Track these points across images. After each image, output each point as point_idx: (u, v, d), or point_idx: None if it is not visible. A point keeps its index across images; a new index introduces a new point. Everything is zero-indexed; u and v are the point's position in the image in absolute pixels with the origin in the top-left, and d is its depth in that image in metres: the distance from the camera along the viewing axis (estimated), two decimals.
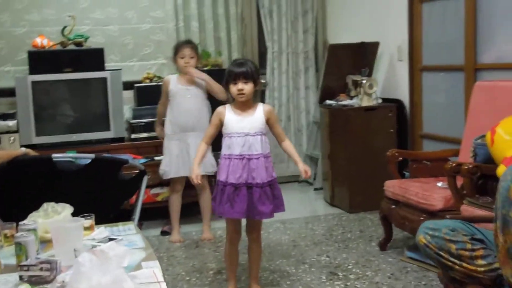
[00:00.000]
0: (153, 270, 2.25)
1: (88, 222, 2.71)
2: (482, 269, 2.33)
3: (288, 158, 4.84)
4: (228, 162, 3.34)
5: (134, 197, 4.04)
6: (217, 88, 4.50)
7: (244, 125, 3.35)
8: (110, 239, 2.64)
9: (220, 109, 3.45)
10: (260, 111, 3.39)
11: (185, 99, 4.55)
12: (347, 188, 5.23)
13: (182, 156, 4.56)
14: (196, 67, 4.66)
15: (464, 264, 2.36)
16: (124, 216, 3.58)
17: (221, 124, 3.43)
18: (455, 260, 2.38)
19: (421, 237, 2.48)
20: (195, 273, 3.92)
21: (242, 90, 3.30)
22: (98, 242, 2.59)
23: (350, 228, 4.73)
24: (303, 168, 3.42)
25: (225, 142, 3.40)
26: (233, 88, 3.32)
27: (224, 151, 3.39)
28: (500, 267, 2.15)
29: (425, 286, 3.50)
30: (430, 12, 5.06)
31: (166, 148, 4.67)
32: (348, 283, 3.61)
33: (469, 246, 2.36)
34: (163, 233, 4.82)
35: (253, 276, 3.57)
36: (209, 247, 4.47)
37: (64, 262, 2.26)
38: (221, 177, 3.37)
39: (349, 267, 3.89)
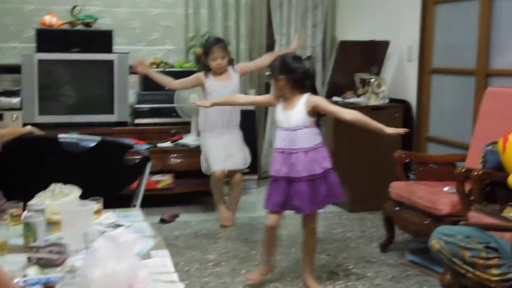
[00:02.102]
0: (164, 259, 2.22)
1: (97, 206, 2.68)
2: (495, 278, 2.31)
3: None
4: (275, 156, 3.47)
5: (134, 182, 4.03)
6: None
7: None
8: (117, 225, 2.61)
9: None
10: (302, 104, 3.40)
11: (221, 97, 4.42)
12: (349, 187, 5.14)
13: (219, 153, 4.64)
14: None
15: (477, 273, 2.35)
16: (124, 201, 3.55)
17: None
18: (469, 268, 2.36)
19: (435, 242, 2.45)
20: (195, 264, 3.89)
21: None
22: (106, 227, 2.55)
23: (351, 228, 4.71)
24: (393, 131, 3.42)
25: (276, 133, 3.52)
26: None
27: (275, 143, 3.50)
28: None
29: None
30: (443, 14, 5.03)
31: (203, 145, 4.78)
32: (349, 283, 3.59)
33: (483, 254, 2.35)
34: (162, 221, 4.78)
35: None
36: (208, 238, 4.44)
37: (73, 245, 2.23)
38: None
39: (350, 267, 3.87)
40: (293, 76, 3.36)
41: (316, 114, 3.41)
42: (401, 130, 3.38)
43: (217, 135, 4.67)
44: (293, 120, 3.36)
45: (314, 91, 3.45)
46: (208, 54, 4.58)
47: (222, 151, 4.65)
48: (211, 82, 4.61)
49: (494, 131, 3.72)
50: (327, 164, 3.44)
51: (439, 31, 5.06)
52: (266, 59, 4.65)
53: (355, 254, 4.11)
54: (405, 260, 3.94)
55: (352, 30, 6.23)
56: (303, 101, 3.37)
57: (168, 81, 4.71)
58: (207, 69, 4.64)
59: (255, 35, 6.36)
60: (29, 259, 2.13)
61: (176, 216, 4.89)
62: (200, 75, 4.69)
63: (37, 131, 3.76)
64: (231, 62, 4.74)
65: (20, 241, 2.37)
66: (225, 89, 4.56)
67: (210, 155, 4.67)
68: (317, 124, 3.44)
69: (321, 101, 3.40)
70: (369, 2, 5.97)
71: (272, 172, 3.44)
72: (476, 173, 3.36)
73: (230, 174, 4.77)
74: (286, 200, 3.40)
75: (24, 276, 1.96)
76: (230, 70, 4.68)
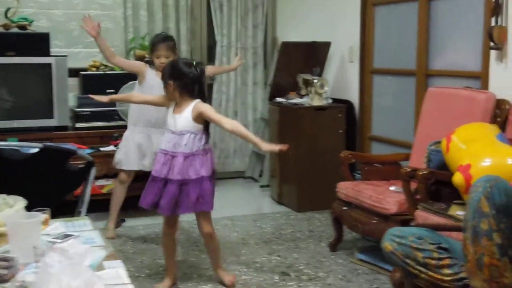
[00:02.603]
0: (117, 271, 2.16)
1: (44, 217, 2.59)
2: (448, 278, 2.35)
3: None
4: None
5: (78, 188, 3.93)
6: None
7: None
8: (66, 235, 2.53)
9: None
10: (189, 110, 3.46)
11: (159, 92, 4.39)
12: (296, 187, 5.23)
13: (141, 150, 4.47)
14: None
15: (430, 273, 2.38)
16: (68, 207, 3.46)
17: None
18: (421, 268, 2.39)
19: (387, 244, 2.48)
20: (144, 269, 3.84)
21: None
22: (54, 238, 2.47)
23: (299, 228, 4.74)
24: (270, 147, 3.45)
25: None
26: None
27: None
28: (469, 277, 2.18)
29: None
30: (383, 16, 5.11)
31: (125, 139, 4.56)
32: (301, 284, 3.61)
33: (435, 255, 2.38)
34: None
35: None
36: (157, 242, 4.37)
37: (22, 259, 2.14)
38: None
39: (301, 267, 3.88)
40: (182, 81, 3.41)
41: (204, 121, 3.45)
42: (276, 148, 3.37)
43: (143, 131, 4.51)
44: (179, 124, 3.42)
45: (203, 97, 3.49)
46: (153, 50, 4.46)
47: (139, 150, 4.50)
48: (152, 76, 4.43)
49: (436, 131, 3.81)
50: (204, 171, 3.43)
51: (379, 32, 5.15)
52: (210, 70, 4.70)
53: (305, 254, 4.13)
54: (354, 259, 3.98)
55: (293, 31, 6.27)
56: (190, 107, 3.42)
57: (110, 54, 4.49)
58: (151, 63, 4.53)
59: (196, 36, 6.32)
60: None
61: (123, 220, 4.81)
62: (143, 64, 4.56)
63: None
64: None
65: None
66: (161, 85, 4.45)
67: (129, 150, 4.51)
68: (206, 131, 3.48)
69: (206, 109, 3.43)
70: (309, 3, 6.01)
71: (153, 172, 3.49)
72: (421, 172, 3.42)
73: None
74: (159, 201, 3.45)
75: None
76: None
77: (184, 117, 3.41)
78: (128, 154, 4.50)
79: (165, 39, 4.47)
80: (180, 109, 3.44)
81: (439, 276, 2.36)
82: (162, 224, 3.60)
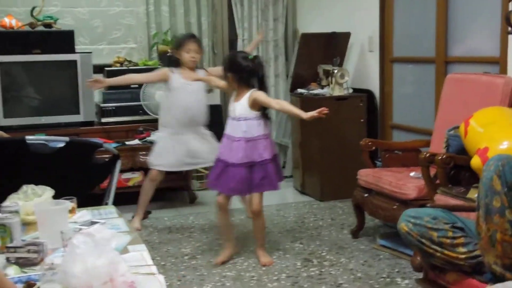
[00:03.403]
0: (142, 253, 2.25)
1: (71, 205, 2.69)
2: (462, 256, 2.40)
3: None
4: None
5: (105, 181, 4.04)
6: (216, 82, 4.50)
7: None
8: (93, 222, 2.62)
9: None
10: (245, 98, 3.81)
11: (186, 95, 4.55)
12: (318, 177, 5.29)
13: (175, 151, 4.58)
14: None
15: (446, 252, 2.43)
16: (95, 200, 3.56)
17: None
18: (437, 248, 2.44)
19: (403, 225, 2.53)
20: (170, 258, 3.93)
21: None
22: (81, 225, 2.57)
23: (322, 216, 4.80)
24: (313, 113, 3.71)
25: None
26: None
27: None
28: (482, 254, 2.23)
29: (398, 273, 3.58)
30: (402, 4, 5.13)
31: (158, 140, 4.71)
32: (323, 270, 3.67)
33: (450, 234, 2.43)
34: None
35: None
36: (182, 232, 4.48)
37: (50, 244, 2.24)
38: None
39: (323, 254, 3.95)
40: (239, 74, 3.78)
41: (260, 108, 3.78)
42: (314, 112, 3.69)
43: (174, 132, 4.60)
44: (237, 111, 3.79)
45: (262, 87, 3.82)
46: (181, 46, 4.55)
47: (174, 151, 4.59)
48: (176, 79, 4.59)
49: (456, 116, 3.82)
50: (267, 155, 3.77)
51: (398, 21, 5.17)
52: None
53: (327, 241, 4.19)
54: (376, 245, 4.03)
55: (313, 23, 6.31)
56: (247, 96, 3.77)
57: (129, 78, 4.74)
58: (175, 64, 4.63)
59: (217, 30, 6.39)
60: (8, 259, 2.14)
61: (149, 212, 4.91)
62: (166, 70, 4.68)
63: (4, 135, 3.74)
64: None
65: None
66: (189, 86, 4.56)
67: (163, 151, 4.62)
68: (264, 117, 3.81)
69: (258, 94, 3.76)
70: None
71: (218, 154, 3.89)
72: (440, 157, 3.46)
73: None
74: (218, 181, 3.83)
75: (5, 275, 1.97)
76: (198, 72, 4.67)
77: (241, 104, 3.78)
78: (161, 155, 4.61)
79: (193, 36, 4.66)
80: (239, 97, 3.81)
81: (454, 254, 2.41)
82: (217, 203, 3.92)
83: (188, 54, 4.50)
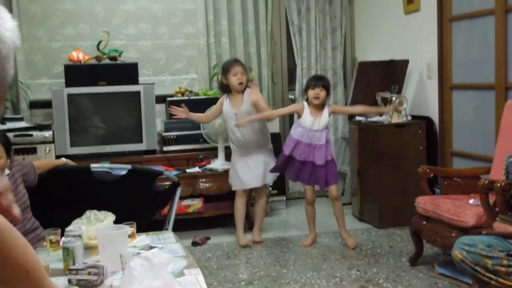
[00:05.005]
0: (196, 277, 2.32)
1: (130, 229, 2.80)
2: None
3: None
4: (296, 144, 4.69)
5: (166, 208, 4.16)
6: (264, 108, 4.82)
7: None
8: (151, 247, 2.72)
9: (300, 105, 4.87)
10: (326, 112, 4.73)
11: (233, 121, 4.83)
12: (377, 204, 5.27)
13: (244, 170, 4.87)
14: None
15: (501, 280, 2.40)
16: (156, 226, 3.67)
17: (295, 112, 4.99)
18: (491, 276, 2.42)
19: (457, 253, 2.52)
20: (227, 284, 3.98)
21: (318, 94, 4.67)
22: (140, 249, 2.66)
23: (380, 243, 4.77)
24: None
25: (297, 129, 4.72)
26: (311, 92, 4.69)
27: (295, 135, 4.71)
28: None
29: None
30: (460, 31, 5.10)
31: (232, 162, 5.01)
32: None
33: (505, 262, 2.40)
34: (194, 244, 4.89)
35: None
36: (240, 258, 4.54)
37: (110, 267, 2.35)
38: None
39: (380, 281, 3.92)
40: (329, 92, 4.78)
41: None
42: (388, 108, 4.99)
43: (240, 155, 4.89)
44: (322, 123, 4.68)
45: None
46: (228, 71, 4.76)
47: (243, 171, 4.86)
48: (227, 106, 4.87)
49: None
50: (329, 156, 4.71)
51: (457, 47, 5.14)
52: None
53: (385, 268, 4.16)
54: (434, 273, 3.98)
55: (372, 51, 6.33)
56: (326, 110, 4.73)
57: (204, 117, 5.06)
58: (226, 91, 4.82)
59: (276, 60, 6.50)
60: (70, 281, 2.25)
61: (208, 238, 5.00)
62: (222, 98, 4.90)
63: (70, 163, 3.91)
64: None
65: (60, 265, 2.50)
66: (234, 115, 4.82)
67: (233, 174, 4.94)
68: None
69: (336, 106, 5.29)
70: (386, 23, 6.08)
71: (291, 154, 4.69)
72: (499, 184, 3.41)
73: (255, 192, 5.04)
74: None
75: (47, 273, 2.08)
76: (245, 95, 4.82)
77: (325, 117, 4.68)
78: (236, 175, 4.89)
79: (237, 60, 4.84)
80: (318, 112, 4.70)
81: (509, 283, 2.38)
82: (306, 197, 4.88)
83: (235, 77, 4.69)
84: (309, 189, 4.84)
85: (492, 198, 3.54)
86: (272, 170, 4.85)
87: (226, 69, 4.83)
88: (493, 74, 4.64)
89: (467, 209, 3.76)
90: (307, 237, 4.88)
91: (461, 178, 4.29)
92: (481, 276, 2.44)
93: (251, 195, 5.17)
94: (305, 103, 4.76)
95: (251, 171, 4.85)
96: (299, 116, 4.76)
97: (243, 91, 4.84)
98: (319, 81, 4.75)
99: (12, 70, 1.03)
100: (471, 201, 3.88)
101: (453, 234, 3.75)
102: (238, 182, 4.88)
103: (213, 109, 5.04)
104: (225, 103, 4.86)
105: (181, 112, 4.90)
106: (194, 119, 5.07)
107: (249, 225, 5.36)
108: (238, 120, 4.73)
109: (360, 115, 5.01)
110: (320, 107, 4.70)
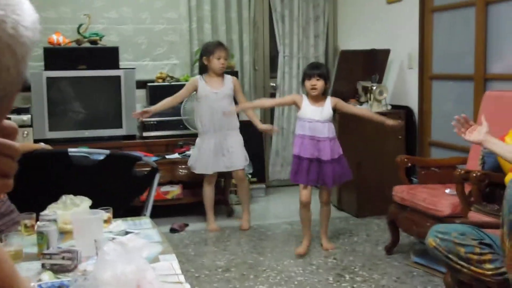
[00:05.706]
0: (171, 263, 2.32)
1: (106, 215, 2.78)
2: (489, 272, 2.40)
3: None
4: (301, 141, 4.31)
5: (145, 194, 4.14)
6: (243, 98, 4.91)
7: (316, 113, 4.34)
8: (127, 232, 2.71)
9: (297, 96, 4.58)
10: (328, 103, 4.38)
11: (213, 101, 4.75)
12: (355, 193, 5.29)
13: (216, 153, 4.79)
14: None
15: (472, 268, 2.43)
16: (134, 212, 3.66)
17: (292, 103, 4.61)
18: (464, 264, 2.45)
19: (431, 240, 2.54)
20: (204, 270, 3.99)
21: (315, 85, 4.28)
22: (116, 234, 2.66)
23: (357, 232, 4.80)
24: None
25: (299, 123, 4.37)
26: (307, 83, 4.31)
27: (298, 131, 4.35)
28: (507, 271, 2.22)
29: None
30: (441, 22, 5.12)
31: (196, 144, 4.92)
32: (355, 285, 3.68)
33: (477, 250, 2.43)
34: (172, 230, 4.89)
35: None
36: (217, 245, 4.55)
37: (85, 252, 2.33)
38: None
39: (356, 269, 3.95)
40: (328, 82, 4.40)
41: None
42: (396, 122, 4.39)
43: (216, 135, 4.81)
44: (324, 114, 4.32)
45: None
46: (212, 53, 4.72)
47: (211, 154, 4.79)
48: (203, 87, 4.79)
49: (493, 134, 3.78)
50: (340, 151, 4.40)
51: (438, 38, 5.16)
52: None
53: (361, 257, 4.20)
54: (409, 262, 4.02)
55: (354, 40, 6.34)
56: (328, 101, 4.37)
57: (169, 101, 4.84)
58: (203, 71, 4.78)
59: (258, 47, 6.48)
60: (43, 266, 2.23)
61: (186, 225, 5.00)
62: (194, 79, 4.87)
63: (48, 147, 3.88)
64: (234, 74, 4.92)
65: (34, 250, 2.48)
66: (215, 95, 4.74)
67: (199, 154, 4.85)
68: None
69: (340, 100, 4.51)
70: (369, 13, 6.08)
71: (301, 154, 4.30)
72: (474, 174, 3.45)
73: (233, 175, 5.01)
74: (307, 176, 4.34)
75: (39, 280, 2.07)
76: (225, 77, 4.81)
77: (327, 108, 4.32)
78: (202, 159, 4.79)
79: (222, 44, 4.79)
80: (319, 103, 4.34)
81: (481, 271, 2.41)
82: (301, 199, 4.40)
83: (218, 61, 4.66)
84: (305, 189, 4.41)
85: (468, 188, 3.57)
86: (293, 179, 4.45)
87: (210, 51, 4.79)
88: (472, 65, 4.67)
89: (443, 198, 3.79)
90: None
91: (439, 168, 4.33)
92: (453, 263, 2.47)
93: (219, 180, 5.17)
94: (303, 95, 4.41)
95: (220, 154, 4.81)
96: (298, 108, 4.43)
97: (222, 74, 4.83)
98: (314, 69, 4.34)
99: (27, 71, 0.86)
100: (447, 190, 3.92)
101: (428, 223, 3.78)
102: (201, 165, 4.84)
103: (181, 91, 4.93)
104: (201, 84, 4.80)
105: (142, 113, 4.77)
106: (160, 109, 4.86)
107: (227, 212, 5.37)
108: (231, 107, 4.72)
109: (363, 118, 4.62)
110: (320, 97, 4.34)
